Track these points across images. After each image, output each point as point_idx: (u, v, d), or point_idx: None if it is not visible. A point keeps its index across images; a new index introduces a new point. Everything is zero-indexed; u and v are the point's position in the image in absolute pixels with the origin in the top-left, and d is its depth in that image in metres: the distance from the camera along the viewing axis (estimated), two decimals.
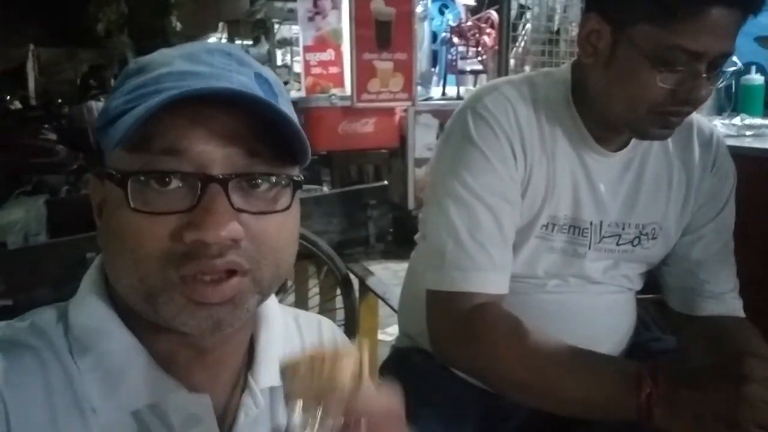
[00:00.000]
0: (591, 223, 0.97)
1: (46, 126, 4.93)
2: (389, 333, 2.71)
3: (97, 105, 5.11)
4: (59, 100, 5.80)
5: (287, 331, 0.66)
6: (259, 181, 0.52)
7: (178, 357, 0.55)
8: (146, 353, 0.54)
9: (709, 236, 1.01)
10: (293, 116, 0.53)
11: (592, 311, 1.00)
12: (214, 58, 0.54)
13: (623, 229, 0.99)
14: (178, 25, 12.93)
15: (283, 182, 0.54)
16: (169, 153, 0.49)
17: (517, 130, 0.92)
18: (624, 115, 0.88)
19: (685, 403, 0.73)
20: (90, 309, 0.55)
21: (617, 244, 0.99)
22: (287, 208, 0.54)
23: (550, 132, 0.94)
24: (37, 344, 0.53)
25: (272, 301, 0.65)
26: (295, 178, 0.55)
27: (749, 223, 1.14)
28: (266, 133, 0.51)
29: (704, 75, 0.81)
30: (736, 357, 0.73)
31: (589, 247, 0.98)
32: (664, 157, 1.00)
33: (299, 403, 0.48)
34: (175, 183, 0.50)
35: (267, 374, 0.60)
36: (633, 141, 0.98)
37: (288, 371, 0.50)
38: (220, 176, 0.50)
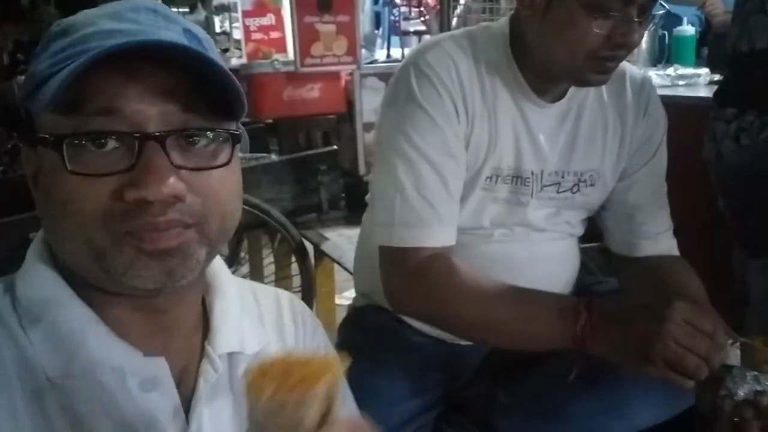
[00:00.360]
0: (532, 173, 1.00)
1: None
2: (346, 297, 2.73)
3: None
4: None
5: (244, 303, 0.66)
6: (197, 137, 0.52)
7: (130, 322, 0.55)
8: (98, 319, 0.53)
9: (643, 180, 1.06)
10: (226, 68, 0.53)
11: (537, 258, 1.04)
12: (140, 15, 0.52)
13: (562, 177, 1.02)
14: None
15: (221, 137, 0.53)
16: (104, 113, 0.49)
17: (459, 86, 0.94)
18: (563, 63, 0.91)
19: (613, 335, 0.82)
20: (38, 279, 0.54)
21: (557, 192, 1.03)
22: (227, 162, 0.53)
23: (491, 85, 0.97)
24: None
25: (224, 271, 0.65)
26: (234, 132, 0.54)
27: (682, 168, 1.20)
28: (201, 88, 0.51)
29: (636, 19, 0.86)
30: (664, 298, 0.81)
31: (532, 196, 1.01)
32: (598, 106, 1.04)
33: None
34: (111, 144, 0.49)
35: (224, 341, 0.60)
36: (569, 92, 1.01)
37: (251, 392, 0.44)
38: (157, 134, 0.49)
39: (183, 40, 0.52)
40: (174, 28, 0.53)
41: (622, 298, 1.07)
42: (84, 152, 0.49)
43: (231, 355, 0.61)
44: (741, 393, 0.75)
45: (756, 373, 0.76)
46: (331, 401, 0.45)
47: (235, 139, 0.54)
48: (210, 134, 0.53)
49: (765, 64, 1.28)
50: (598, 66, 0.90)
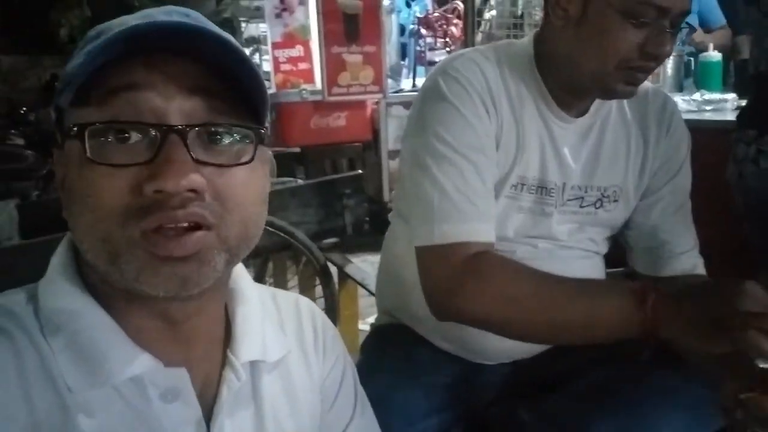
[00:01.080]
0: (556, 185, 1.00)
1: (13, 132, 4.82)
2: (369, 323, 2.73)
3: None
4: (23, 108, 5.66)
5: (265, 309, 0.65)
6: (220, 134, 0.51)
7: (150, 330, 0.54)
8: (119, 329, 0.53)
9: (666, 198, 1.05)
10: (253, 63, 0.53)
11: (562, 274, 1.03)
12: (171, 17, 0.53)
13: (585, 191, 1.02)
14: None
15: (245, 138, 0.53)
16: (127, 105, 0.49)
17: (487, 90, 0.95)
18: (595, 73, 0.92)
19: (685, 313, 0.77)
20: (60, 288, 0.54)
21: (580, 206, 1.03)
22: (250, 160, 0.52)
23: (517, 95, 0.98)
24: (8, 326, 0.52)
25: (247, 278, 0.65)
26: (258, 130, 0.53)
27: (708, 192, 1.19)
28: (226, 85, 0.51)
29: (668, 30, 0.88)
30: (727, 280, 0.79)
31: (555, 207, 1.01)
32: (621, 123, 1.04)
33: None
34: (134, 136, 0.49)
35: (246, 349, 0.60)
36: (593, 108, 1.02)
37: None
38: (180, 126, 0.49)
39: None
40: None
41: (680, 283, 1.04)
42: (106, 144, 0.49)
43: (253, 363, 0.61)
44: None
45: None
46: None
47: (258, 138, 0.53)
48: (234, 133, 0.52)
49: None
50: (628, 76, 0.91)
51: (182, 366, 0.55)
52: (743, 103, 2.10)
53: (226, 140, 0.52)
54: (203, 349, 0.59)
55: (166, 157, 0.48)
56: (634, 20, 0.86)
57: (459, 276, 0.89)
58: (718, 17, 2.50)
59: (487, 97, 0.95)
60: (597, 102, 1.02)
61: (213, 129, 0.51)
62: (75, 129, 0.49)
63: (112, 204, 0.48)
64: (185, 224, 0.49)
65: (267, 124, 0.56)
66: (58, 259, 0.56)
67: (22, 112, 5.60)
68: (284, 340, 0.65)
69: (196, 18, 0.54)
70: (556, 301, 0.85)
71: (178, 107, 0.50)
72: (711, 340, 0.74)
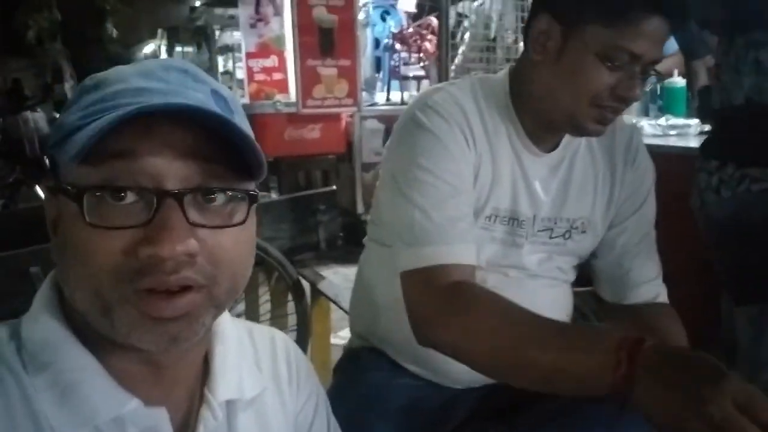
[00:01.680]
0: (527, 217, 1.03)
1: None
2: (341, 336, 2.73)
3: (33, 116, 4.93)
4: None
5: (241, 345, 0.66)
6: (215, 195, 0.52)
7: (133, 373, 0.55)
8: (102, 370, 0.54)
9: (631, 228, 1.09)
10: (249, 132, 0.54)
11: (531, 305, 1.04)
12: (170, 74, 0.54)
13: (555, 223, 1.05)
14: (114, 32, 12.56)
15: (239, 196, 0.54)
16: (125, 167, 0.49)
17: (466, 122, 0.98)
18: (567, 109, 0.95)
19: (666, 382, 0.69)
20: (44, 326, 0.54)
21: (550, 237, 1.06)
22: (243, 221, 0.54)
23: (493, 130, 1.00)
24: None
25: (226, 315, 0.65)
26: (252, 193, 0.55)
27: (673, 216, 1.24)
28: (222, 148, 0.52)
29: (639, 76, 0.92)
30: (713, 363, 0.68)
31: (526, 239, 1.04)
32: (589, 157, 1.08)
33: None
34: (130, 197, 0.50)
35: (224, 388, 0.61)
36: (563, 143, 1.05)
37: None
38: (176, 191, 0.50)
39: (210, 101, 0.54)
40: (202, 88, 0.54)
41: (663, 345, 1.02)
42: (102, 204, 0.49)
43: (229, 402, 0.62)
44: None
45: None
46: None
47: (252, 199, 0.55)
48: (228, 193, 0.53)
49: (742, 120, 1.33)
50: (598, 115, 0.94)
51: (162, 405, 0.56)
52: (706, 128, 2.18)
53: (221, 200, 0.53)
54: (183, 387, 0.60)
55: (162, 222, 0.49)
56: (609, 63, 0.90)
57: (438, 304, 0.89)
58: (670, 44, 2.58)
59: (466, 129, 0.98)
60: (567, 137, 1.05)
61: (211, 192, 0.52)
62: (73, 190, 0.50)
63: (106, 263, 0.49)
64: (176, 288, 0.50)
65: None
66: (42, 296, 0.57)
67: None
68: (260, 377, 0.66)
69: (193, 73, 0.55)
70: (527, 342, 0.82)
71: (174, 171, 0.50)
72: (685, 420, 0.66)
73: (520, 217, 1.03)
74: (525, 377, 0.83)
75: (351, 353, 1.21)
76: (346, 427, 0.80)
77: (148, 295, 0.50)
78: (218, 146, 0.52)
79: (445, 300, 0.89)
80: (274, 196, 2.44)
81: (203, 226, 0.51)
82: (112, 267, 0.49)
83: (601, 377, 0.72)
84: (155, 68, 0.54)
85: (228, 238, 0.53)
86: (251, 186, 0.56)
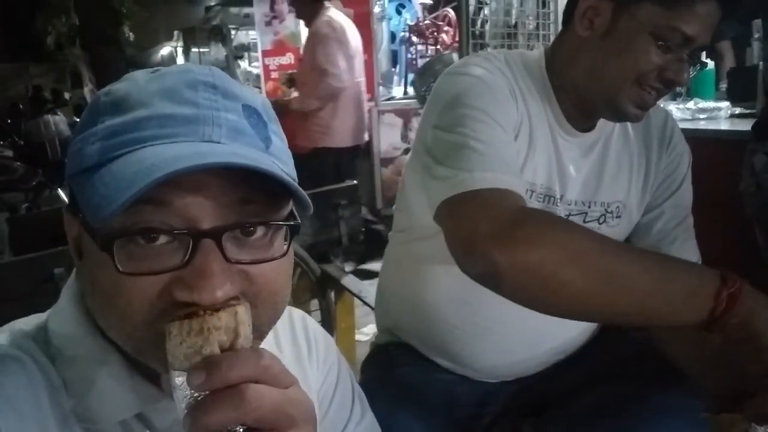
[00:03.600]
0: (561, 197, 1.00)
1: (2, 143, 4.78)
2: (365, 333, 2.73)
3: (54, 119, 4.98)
4: (8, 120, 5.62)
5: None
6: (253, 230, 0.49)
7: (157, 373, 0.53)
8: (127, 364, 0.53)
9: (668, 212, 1.05)
10: (286, 156, 0.52)
11: None
12: (198, 94, 0.49)
13: (589, 207, 1.02)
14: (131, 35, 12.70)
15: (280, 229, 0.51)
16: (153, 203, 0.46)
17: (508, 78, 0.95)
18: (610, 86, 0.92)
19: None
20: (69, 321, 0.54)
21: (584, 221, 1.02)
22: (283, 254, 0.51)
23: (531, 101, 0.97)
24: (22, 357, 0.52)
25: None
26: (291, 225, 0.51)
27: (707, 200, 1.19)
28: (259, 181, 0.48)
29: (687, 61, 0.89)
30: None
31: None
32: (624, 140, 1.04)
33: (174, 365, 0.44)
34: (162, 238, 0.47)
35: None
36: (598, 125, 1.01)
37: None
38: (212, 230, 0.47)
39: (242, 121, 0.50)
40: (233, 106, 0.51)
41: (654, 338, 1.01)
42: (134, 246, 0.46)
43: None
44: None
45: None
46: (236, 335, 0.45)
47: (293, 231, 0.52)
48: (270, 227, 0.50)
49: None
50: (639, 97, 0.91)
51: None
52: (737, 111, 2.12)
53: (260, 233, 0.50)
54: None
55: (199, 267, 0.46)
56: (662, 43, 0.87)
57: (512, 220, 0.76)
58: None
59: (511, 82, 0.95)
60: (602, 120, 1.01)
61: (249, 228, 0.49)
62: (101, 238, 0.46)
63: (141, 308, 0.47)
64: None
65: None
66: (68, 291, 0.56)
67: (9, 122, 5.56)
68: (280, 357, 0.65)
69: (223, 89, 0.51)
70: (625, 263, 0.74)
71: (209, 208, 0.47)
72: None
73: (555, 195, 0.99)
74: (618, 301, 0.74)
75: (378, 349, 1.19)
76: (379, 422, 0.78)
77: None
78: (255, 180, 0.48)
79: (517, 219, 0.76)
80: None
81: (243, 263, 0.48)
82: (148, 309, 0.47)
83: (705, 296, 0.71)
84: (180, 86, 0.50)
85: (269, 269, 0.50)
86: (288, 208, 0.52)
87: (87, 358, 0.52)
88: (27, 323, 0.56)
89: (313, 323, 0.74)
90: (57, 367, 0.52)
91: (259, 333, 0.52)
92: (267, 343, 0.64)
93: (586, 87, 0.95)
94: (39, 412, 0.50)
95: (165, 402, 0.53)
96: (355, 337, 2.29)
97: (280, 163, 0.52)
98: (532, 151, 0.96)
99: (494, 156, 0.84)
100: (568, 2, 0.99)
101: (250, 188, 0.48)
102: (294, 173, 0.54)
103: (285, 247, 0.51)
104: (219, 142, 0.48)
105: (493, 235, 0.74)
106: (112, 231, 0.46)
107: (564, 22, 0.99)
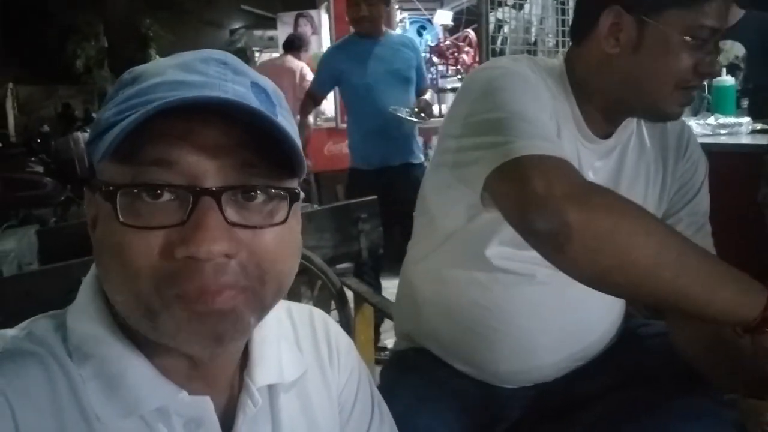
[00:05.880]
0: None
1: (33, 159, 4.90)
2: (385, 345, 2.74)
3: (83, 136, 5.10)
4: (38, 140, 5.77)
5: (281, 327, 0.66)
6: (255, 193, 0.50)
7: (175, 366, 0.54)
8: (145, 360, 0.53)
9: (686, 219, 1.05)
10: (291, 126, 0.52)
11: (583, 300, 1.02)
12: (209, 67, 0.52)
13: None
14: (158, 58, 12.97)
15: (280, 194, 0.52)
16: (160, 164, 0.48)
17: (541, 79, 0.96)
18: (653, 95, 0.93)
19: None
20: (88, 318, 0.54)
21: None
22: (284, 221, 0.51)
23: (557, 103, 0.97)
24: (40, 352, 0.52)
25: None
26: (293, 190, 0.52)
27: (727, 213, 1.19)
28: (262, 144, 0.50)
29: (714, 51, 0.91)
30: None
31: None
32: (640, 148, 1.05)
33: None
34: (166, 196, 0.48)
35: (263, 373, 0.60)
36: (615, 133, 1.02)
37: None
38: (213, 188, 0.48)
39: (250, 94, 0.51)
40: (242, 81, 0.52)
41: (674, 342, 1.01)
42: (138, 202, 0.48)
43: (271, 387, 0.61)
44: None
45: None
46: None
47: (293, 198, 0.52)
48: (269, 191, 0.51)
49: None
50: (682, 97, 0.93)
51: (206, 395, 0.56)
52: (759, 126, 2.11)
53: (261, 199, 0.51)
54: (226, 377, 0.59)
55: (198, 221, 0.47)
56: (693, 41, 0.89)
57: (588, 185, 0.77)
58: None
59: (541, 83, 0.96)
60: (620, 127, 1.02)
61: (250, 190, 0.50)
62: (107, 188, 0.48)
63: (144, 265, 0.48)
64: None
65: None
66: (87, 286, 0.56)
67: (39, 141, 5.70)
68: (300, 358, 0.65)
69: (233, 66, 0.53)
70: (688, 245, 0.74)
71: (212, 170, 0.49)
72: None
73: None
74: (679, 283, 0.72)
75: (398, 355, 1.20)
76: (399, 425, 0.78)
77: (191, 296, 0.48)
78: (258, 144, 0.50)
79: (592, 186, 0.77)
80: (316, 206, 2.46)
81: (242, 226, 0.49)
82: (151, 270, 0.48)
83: (756, 295, 0.72)
84: (193, 60, 0.52)
85: (270, 239, 0.51)
86: (293, 183, 0.53)
87: (106, 353, 0.53)
88: (46, 320, 0.56)
89: (334, 325, 0.74)
90: (76, 363, 0.53)
91: (262, 307, 0.52)
92: (287, 341, 0.65)
93: (621, 98, 0.96)
94: (57, 407, 0.50)
95: (183, 398, 0.54)
96: (374, 349, 2.29)
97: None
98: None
99: (544, 130, 0.84)
100: (577, 18, 1.00)
101: (255, 153, 0.50)
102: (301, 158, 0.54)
103: (286, 214, 0.52)
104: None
105: (571, 195, 0.73)
106: (118, 184, 0.48)
107: (577, 39, 1.00)
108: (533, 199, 0.74)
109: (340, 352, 0.71)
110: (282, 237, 0.52)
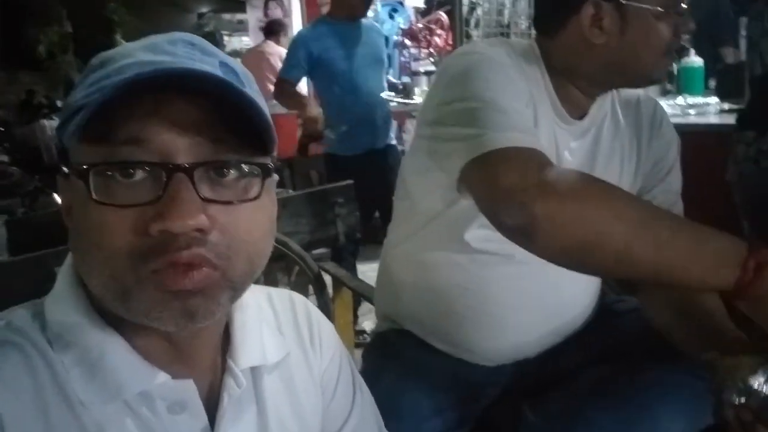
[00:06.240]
0: None
1: None
2: (363, 329, 2.76)
3: (49, 124, 4.98)
4: (1, 129, 5.62)
5: (261, 311, 0.66)
6: (227, 170, 0.51)
7: (155, 350, 0.55)
8: (127, 345, 0.53)
9: (659, 197, 1.07)
10: (262, 102, 0.52)
11: (560, 278, 1.02)
12: (177, 47, 0.52)
13: None
14: (123, 43, 12.67)
15: (253, 171, 0.52)
16: (132, 143, 0.48)
17: (516, 63, 0.97)
18: (648, 67, 0.98)
19: None
20: (67, 304, 0.54)
21: None
22: (257, 197, 0.52)
23: (533, 85, 0.98)
24: (20, 341, 0.52)
25: None
26: (265, 165, 0.52)
27: (697, 192, 1.22)
28: (233, 120, 0.50)
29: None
30: None
31: None
32: (615, 128, 1.07)
33: None
34: (139, 174, 0.48)
35: (246, 355, 0.60)
36: (590, 113, 1.04)
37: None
38: (186, 165, 0.48)
39: (219, 72, 0.51)
40: (210, 60, 0.52)
41: (648, 318, 1.04)
42: (111, 183, 0.48)
43: (254, 369, 0.62)
44: (735, 401, 0.72)
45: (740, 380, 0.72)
46: None
47: (266, 173, 0.53)
48: (242, 167, 0.51)
49: None
50: (668, 61, 0.99)
51: (189, 378, 0.56)
52: (726, 106, 2.16)
53: (233, 176, 0.51)
54: (206, 359, 0.59)
55: (172, 197, 0.48)
56: (672, 10, 0.94)
57: (553, 175, 0.77)
58: None
59: (517, 67, 0.97)
60: (594, 107, 1.04)
61: (222, 166, 0.51)
62: (79, 168, 0.49)
63: (119, 244, 0.48)
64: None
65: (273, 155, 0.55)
66: (65, 274, 0.56)
67: (2, 130, 5.56)
68: (282, 341, 0.66)
69: (201, 46, 0.54)
70: (661, 221, 0.76)
71: (184, 146, 0.49)
72: None
73: None
74: (653, 261, 0.74)
75: (379, 337, 1.21)
76: (381, 405, 0.80)
77: (166, 270, 0.48)
78: (229, 120, 0.50)
79: (557, 174, 0.77)
80: (291, 192, 2.45)
81: (215, 202, 0.50)
82: (126, 247, 0.48)
83: (734, 262, 0.71)
84: (161, 42, 0.53)
85: (243, 216, 0.51)
86: (266, 160, 0.53)
87: (87, 341, 0.53)
88: (23, 310, 0.56)
89: (315, 309, 0.74)
90: (57, 351, 0.53)
91: (233, 286, 0.52)
92: (268, 326, 0.66)
93: (610, 77, 1.00)
94: (40, 395, 0.50)
95: (165, 381, 0.54)
96: (353, 333, 2.31)
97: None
98: (538, 132, 0.98)
99: (517, 120, 0.85)
100: (545, 13, 1.03)
101: (226, 129, 0.50)
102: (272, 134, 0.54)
103: (259, 190, 0.52)
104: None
105: (533, 187, 0.74)
106: (90, 163, 0.48)
107: (549, 33, 1.01)
108: (501, 194, 0.77)
109: (321, 336, 0.72)
110: (254, 216, 0.52)
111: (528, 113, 0.93)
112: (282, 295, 0.72)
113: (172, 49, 0.52)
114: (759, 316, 0.72)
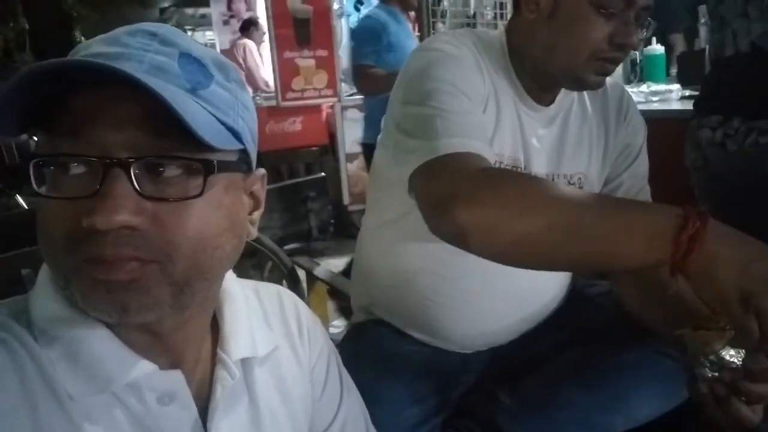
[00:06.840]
0: (526, 169, 1.03)
1: None
2: (336, 326, 2.76)
3: None
4: None
5: (249, 305, 0.66)
6: (167, 166, 0.49)
7: (140, 342, 0.54)
8: (113, 336, 0.53)
9: (627, 182, 1.10)
10: (225, 97, 0.52)
11: None
12: (134, 38, 0.51)
13: (553, 179, 1.06)
14: (83, 39, 12.37)
15: (195, 168, 0.50)
16: (73, 136, 0.48)
17: (475, 53, 0.98)
18: (567, 63, 0.95)
19: (725, 253, 0.65)
20: (50, 300, 0.54)
21: None
22: (199, 194, 0.50)
23: (497, 77, 1.00)
24: (4, 337, 0.52)
25: (231, 276, 0.65)
26: (207, 161, 0.50)
27: (659, 177, 1.25)
28: (173, 115, 0.48)
29: (634, 23, 0.92)
30: None
31: None
32: (582, 114, 1.09)
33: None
34: (79, 168, 0.48)
35: (237, 347, 0.61)
36: (557, 100, 1.06)
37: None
38: (121, 159, 0.48)
39: (172, 64, 0.51)
40: (168, 51, 0.51)
41: (619, 300, 1.05)
42: (56, 175, 0.49)
43: (244, 360, 0.62)
44: (709, 375, 0.72)
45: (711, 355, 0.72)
46: None
47: (208, 170, 0.50)
48: (181, 165, 0.50)
49: (748, 69, 1.29)
50: (598, 67, 0.95)
51: (177, 369, 0.56)
52: (687, 93, 2.22)
53: (175, 172, 0.50)
54: (194, 351, 0.59)
55: (104, 192, 0.47)
56: (604, 11, 0.90)
57: (474, 181, 0.78)
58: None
59: (478, 57, 0.98)
60: (561, 94, 1.06)
61: (158, 161, 0.49)
62: (24, 161, 0.50)
63: (57, 233, 0.49)
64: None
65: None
66: (45, 272, 0.56)
67: None
68: (271, 335, 0.67)
69: (163, 37, 0.52)
70: (583, 210, 0.73)
71: (123, 142, 0.48)
72: (737, 294, 0.64)
73: (521, 167, 1.03)
74: (580, 250, 0.73)
75: (355, 328, 1.21)
76: (361, 394, 0.80)
77: (93, 261, 0.48)
78: (170, 115, 0.47)
79: (478, 179, 0.78)
80: None
81: (153, 198, 0.49)
82: (64, 238, 0.49)
83: (665, 239, 0.67)
84: (121, 33, 0.52)
85: (185, 212, 0.50)
86: (216, 156, 0.51)
87: (72, 334, 0.53)
88: (5, 306, 0.56)
89: (302, 305, 0.74)
90: (42, 346, 0.52)
91: (174, 282, 0.51)
92: (257, 319, 0.66)
93: (545, 65, 0.98)
94: (27, 389, 0.50)
95: (153, 372, 0.54)
96: (329, 327, 2.31)
97: (210, 106, 0.52)
98: (499, 124, 1.00)
99: (461, 123, 0.86)
100: None
101: (166, 124, 0.48)
102: (240, 125, 0.54)
103: (201, 187, 0.50)
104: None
105: (456, 196, 0.76)
106: (32, 155, 0.49)
107: (514, 6, 1.03)
108: (432, 202, 0.81)
109: (309, 329, 0.72)
110: (200, 213, 0.51)
111: (479, 115, 0.93)
112: (269, 289, 0.72)
113: (128, 41, 0.51)
114: (698, 289, 0.68)
